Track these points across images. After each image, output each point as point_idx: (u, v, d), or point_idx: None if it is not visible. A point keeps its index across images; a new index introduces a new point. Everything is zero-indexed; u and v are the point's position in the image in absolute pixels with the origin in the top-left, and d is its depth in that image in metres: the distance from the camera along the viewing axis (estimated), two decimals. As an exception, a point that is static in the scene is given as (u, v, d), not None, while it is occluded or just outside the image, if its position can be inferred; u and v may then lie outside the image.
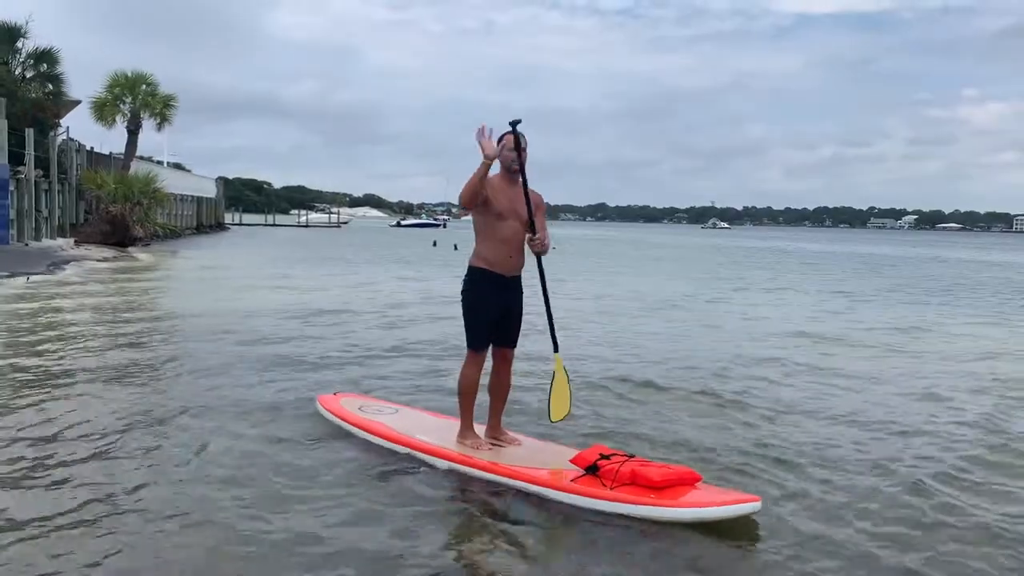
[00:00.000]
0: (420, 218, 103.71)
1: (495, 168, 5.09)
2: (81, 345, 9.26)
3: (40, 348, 9.04)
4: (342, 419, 5.96)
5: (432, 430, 5.62)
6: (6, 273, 16.22)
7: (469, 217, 5.37)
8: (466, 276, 5.33)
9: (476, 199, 5.07)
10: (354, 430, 5.79)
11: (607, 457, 4.70)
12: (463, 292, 5.34)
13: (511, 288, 5.28)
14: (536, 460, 5.05)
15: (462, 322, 5.39)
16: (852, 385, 8.23)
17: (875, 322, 13.80)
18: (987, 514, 4.69)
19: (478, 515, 4.51)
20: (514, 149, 5.12)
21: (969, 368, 9.39)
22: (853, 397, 7.68)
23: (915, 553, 4.14)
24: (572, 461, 4.82)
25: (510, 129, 5.16)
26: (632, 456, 4.80)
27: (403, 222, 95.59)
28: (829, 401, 7.47)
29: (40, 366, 8.04)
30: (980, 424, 6.69)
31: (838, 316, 14.66)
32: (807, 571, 3.92)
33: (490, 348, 5.39)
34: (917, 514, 4.66)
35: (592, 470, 4.66)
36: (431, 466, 5.17)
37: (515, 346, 5.48)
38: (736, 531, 4.30)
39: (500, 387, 5.47)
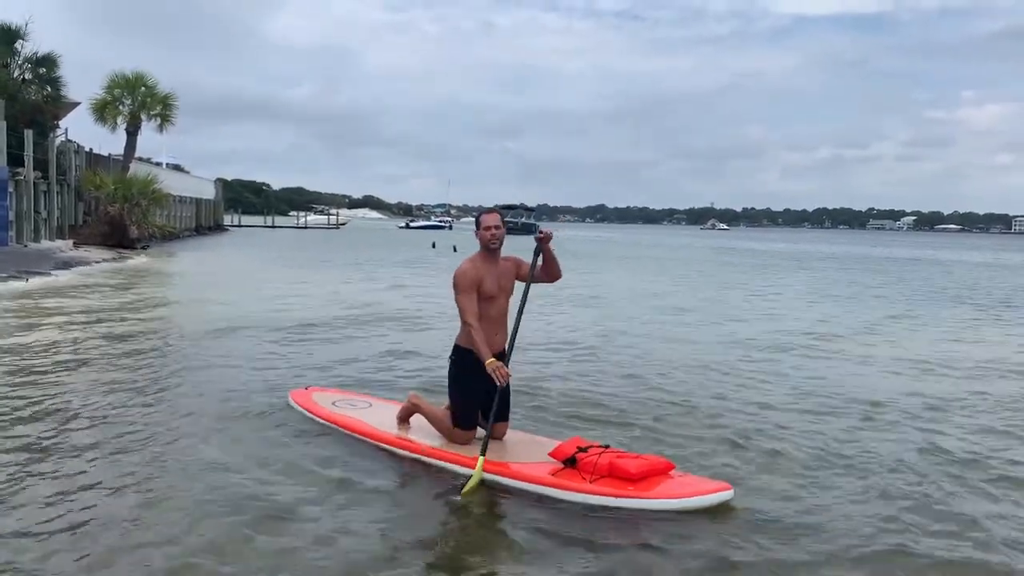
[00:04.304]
0: (429, 219, 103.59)
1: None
2: (74, 346, 9.41)
3: (35, 348, 9.18)
4: (316, 415, 6.03)
5: (411, 425, 5.71)
6: (4, 275, 16.34)
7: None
8: (452, 354, 5.41)
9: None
10: (329, 425, 5.85)
11: (584, 450, 4.84)
12: (450, 369, 5.41)
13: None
14: (515, 453, 5.17)
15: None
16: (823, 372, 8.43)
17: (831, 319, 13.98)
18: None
19: (457, 509, 4.61)
20: (489, 228, 5.23)
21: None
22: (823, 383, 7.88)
23: (890, 535, 4.32)
24: (551, 454, 4.95)
25: (491, 208, 5.33)
26: (608, 447, 4.95)
27: (411, 224, 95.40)
28: (795, 392, 7.68)
29: (36, 365, 8.20)
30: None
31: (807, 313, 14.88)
32: (779, 557, 4.09)
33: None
34: (895, 493, 4.88)
35: (570, 463, 4.80)
36: (408, 460, 5.28)
37: (507, 421, 5.50)
38: (711, 517, 4.49)
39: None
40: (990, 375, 9.18)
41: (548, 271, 5.38)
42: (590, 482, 4.66)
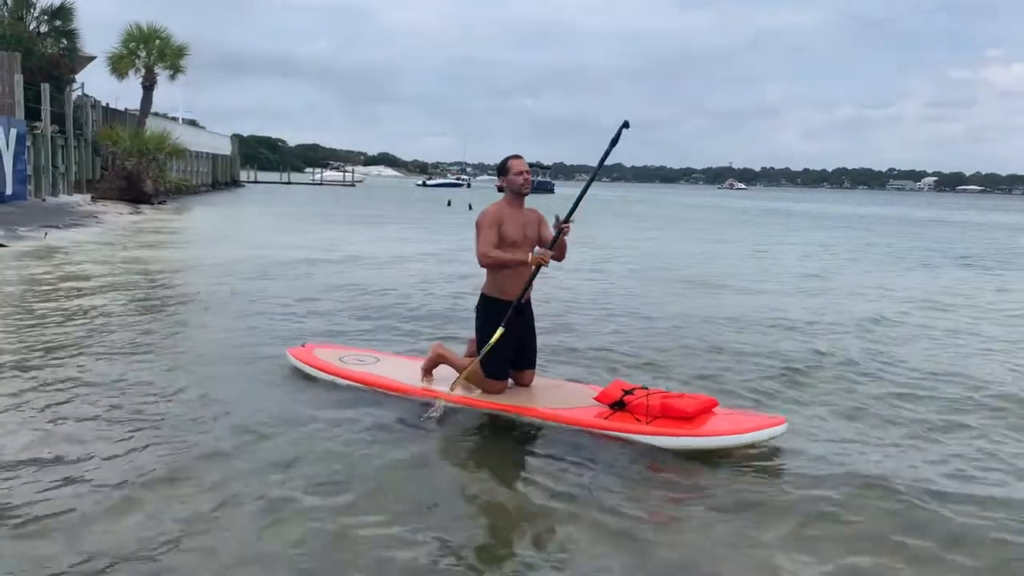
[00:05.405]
0: (445, 177, 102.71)
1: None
2: (92, 299, 9.38)
3: (55, 298, 9.20)
4: (324, 371, 5.67)
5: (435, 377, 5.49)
6: (24, 228, 16.36)
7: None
8: (479, 304, 5.24)
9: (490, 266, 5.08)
10: (344, 382, 5.51)
11: (630, 392, 4.74)
12: (477, 319, 5.24)
13: (524, 314, 5.21)
14: (559, 400, 5.03)
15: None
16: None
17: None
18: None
19: (507, 457, 4.51)
20: (521, 172, 5.12)
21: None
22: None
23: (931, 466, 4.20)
24: (596, 399, 4.85)
25: (516, 154, 5.21)
26: (650, 389, 4.86)
27: (428, 182, 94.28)
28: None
29: (55, 314, 8.22)
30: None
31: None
32: (830, 481, 4.18)
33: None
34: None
35: (619, 406, 4.70)
36: (448, 411, 5.03)
37: (534, 368, 5.38)
38: (759, 452, 4.56)
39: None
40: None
41: (558, 253, 5.21)
42: (646, 424, 4.57)
